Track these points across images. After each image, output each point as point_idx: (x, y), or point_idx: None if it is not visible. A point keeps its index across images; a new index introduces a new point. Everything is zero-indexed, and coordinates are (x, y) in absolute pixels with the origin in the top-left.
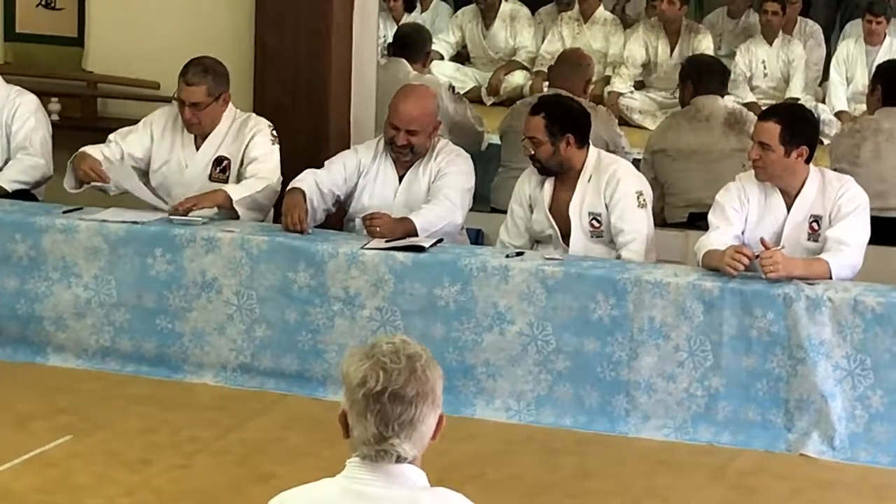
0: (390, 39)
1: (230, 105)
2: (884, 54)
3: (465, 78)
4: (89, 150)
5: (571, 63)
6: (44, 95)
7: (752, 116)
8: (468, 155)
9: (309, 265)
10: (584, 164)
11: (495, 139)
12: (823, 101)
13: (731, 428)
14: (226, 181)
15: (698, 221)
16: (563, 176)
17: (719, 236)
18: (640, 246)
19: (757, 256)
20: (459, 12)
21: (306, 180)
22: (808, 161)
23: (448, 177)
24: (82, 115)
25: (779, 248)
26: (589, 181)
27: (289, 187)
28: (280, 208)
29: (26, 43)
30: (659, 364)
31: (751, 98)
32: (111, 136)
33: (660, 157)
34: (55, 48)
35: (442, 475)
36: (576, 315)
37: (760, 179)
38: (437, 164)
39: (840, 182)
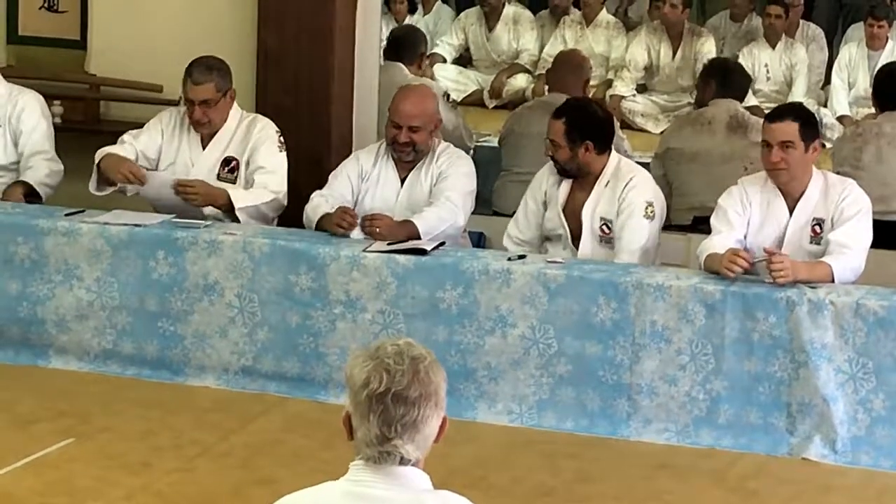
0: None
1: (235, 104)
2: (886, 58)
3: (468, 81)
4: (115, 149)
5: (569, 65)
6: (46, 98)
7: (755, 120)
8: (469, 157)
9: (310, 268)
10: (603, 170)
11: (493, 142)
12: (825, 105)
13: (732, 431)
14: (234, 181)
15: (701, 225)
16: (580, 178)
17: (721, 240)
18: (632, 257)
19: (753, 264)
20: (462, 15)
21: (321, 207)
22: None
23: (449, 179)
24: (85, 118)
25: (784, 253)
26: (606, 186)
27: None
28: (282, 218)
29: (29, 45)
30: (661, 367)
31: (753, 101)
32: (124, 137)
33: (669, 155)
34: (58, 51)
35: (444, 478)
36: (578, 318)
37: (782, 182)
38: (439, 167)
39: (842, 185)
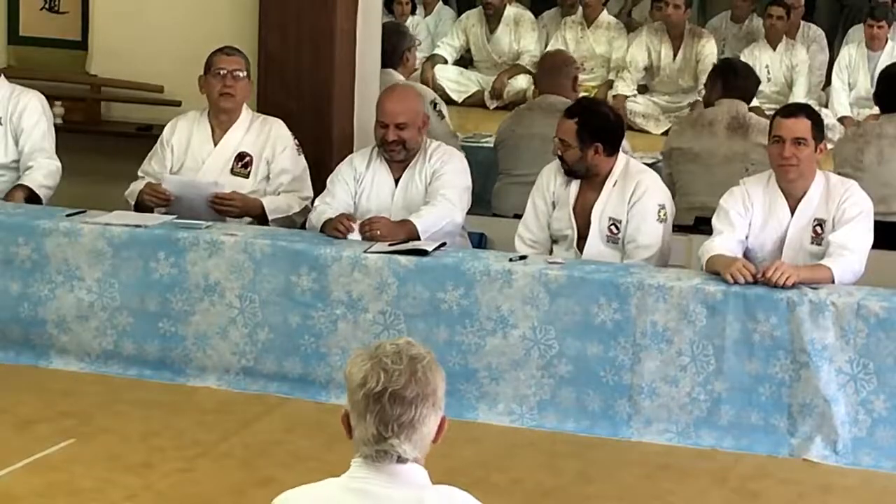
0: None
1: (245, 104)
2: (886, 59)
3: (469, 82)
4: (137, 185)
5: (555, 67)
6: (48, 98)
7: (756, 120)
8: (462, 154)
9: (312, 269)
10: (611, 171)
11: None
12: (826, 106)
13: (733, 432)
14: (247, 176)
15: (702, 225)
16: (587, 179)
17: (723, 241)
18: (648, 262)
19: (756, 281)
20: (463, 16)
21: (326, 214)
22: None
23: (444, 177)
24: (86, 119)
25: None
26: (614, 186)
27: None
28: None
29: (30, 46)
30: (662, 368)
31: (755, 102)
32: (141, 172)
33: (673, 155)
34: (59, 51)
35: (445, 479)
36: (579, 319)
37: (790, 179)
38: (432, 166)
39: (844, 186)
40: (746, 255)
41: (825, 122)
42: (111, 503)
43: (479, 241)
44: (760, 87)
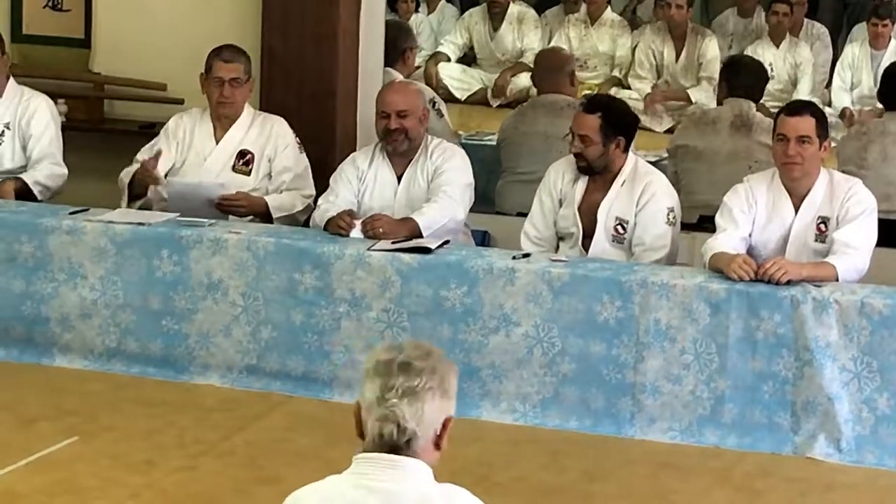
0: None
1: (247, 102)
2: (889, 58)
3: (472, 80)
4: (131, 169)
5: (552, 65)
6: (51, 96)
7: (760, 118)
8: (462, 150)
9: (315, 267)
10: (621, 169)
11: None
12: (829, 105)
13: (737, 430)
14: (248, 174)
15: (706, 223)
16: (597, 177)
17: (726, 239)
18: (659, 264)
19: (758, 278)
20: (467, 14)
21: (329, 213)
22: None
23: (446, 174)
24: (89, 117)
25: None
26: (622, 186)
27: (323, 224)
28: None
29: (33, 44)
30: (665, 366)
31: None
32: (138, 157)
33: (677, 153)
34: (62, 49)
35: (447, 477)
36: (582, 317)
37: (795, 176)
38: (434, 163)
39: (848, 184)
40: (750, 252)
41: (829, 120)
42: (114, 501)
43: (483, 239)
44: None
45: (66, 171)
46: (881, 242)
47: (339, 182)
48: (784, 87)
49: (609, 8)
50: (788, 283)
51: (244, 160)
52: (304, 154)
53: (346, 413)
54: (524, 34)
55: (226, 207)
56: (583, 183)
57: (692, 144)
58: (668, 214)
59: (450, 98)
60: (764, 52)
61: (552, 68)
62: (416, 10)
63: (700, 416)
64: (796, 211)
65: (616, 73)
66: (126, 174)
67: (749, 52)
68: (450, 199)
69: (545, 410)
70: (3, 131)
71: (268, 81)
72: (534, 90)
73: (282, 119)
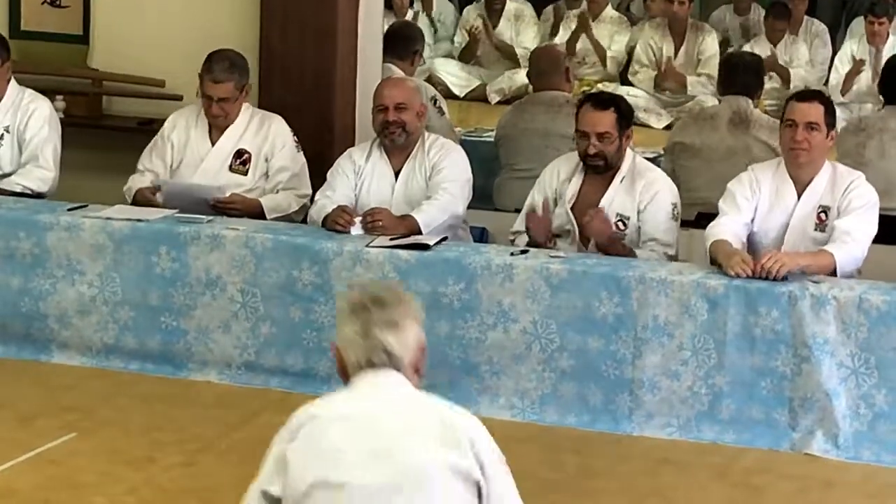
0: None
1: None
2: (887, 54)
3: (470, 77)
4: (138, 182)
5: (548, 62)
6: (49, 93)
7: (758, 115)
8: (460, 147)
9: (313, 263)
10: (620, 166)
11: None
12: None
13: (735, 426)
14: (245, 174)
15: (703, 220)
16: (600, 174)
17: (728, 223)
18: (662, 259)
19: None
20: (465, 12)
21: (326, 208)
22: None
23: (445, 170)
24: (87, 113)
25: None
26: (622, 182)
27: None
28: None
29: (31, 40)
30: (663, 362)
31: None
32: (139, 167)
33: (675, 150)
34: (60, 45)
35: None
36: (580, 313)
37: (801, 163)
38: (431, 159)
39: (851, 176)
40: (750, 239)
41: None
42: (112, 497)
43: (481, 236)
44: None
45: (51, 173)
46: (879, 239)
47: (337, 177)
48: (779, 86)
49: (609, 5)
50: (786, 277)
51: (241, 160)
52: (302, 153)
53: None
54: (520, 31)
55: (220, 209)
56: (577, 181)
57: (690, 142)
58: (673, 210)
59: (448, 95)
60: (761, 51)
61: (549, 65)
62: (411, 6)
63: (698, 413)
64: (799, 199)
65: (612, 68)
66: (133, 183)
67: (746, 49)
68: (449, 195)
69: (543, 406)
70: (2, 135)
71: (266, 78)
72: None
73: (280, 118)
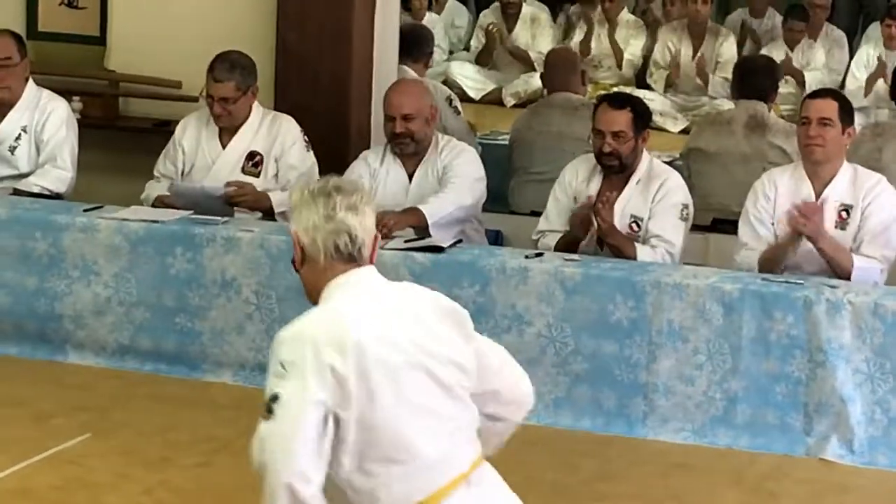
0: None
1: (256, 102)
2: None
3: (486, 80)
4: (154, 191)
5: (563, 64)
6: (66, 94)
7: (774, 120)
8: (473, 148)
9: None
10: (637, 167)
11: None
12: None
13: (749, 431)
14: (258, 175)
15: (720, 225)
16: (617, 175)
17: (753, 256)
18: (669, 258)
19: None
20: (481, 16)
21: None
22: None
23: (455, 168)
24: (104, 114)
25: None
26: (637, 184)
27: None
28: None
29: (49, 42)
30: (677, 367)
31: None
32: (155, 173)
33: (692, 156)
34: (77, 47)
35: None
36: (594, 317)
37: (816, 159)
38: (443, 160)
39: (872, 177)
40: None
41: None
42: (127, 497)
43: (496, 239)
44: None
45: (69, 173)
46: None
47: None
48: (795, 91)
49: (625, 9)
50: (802, 283)
51: (253, 162)
52: (311, 152)
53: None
54: (536, 34)
55: (234, 200)
56: (597, 182)
57: (706, 147)
58: (682, 210)
59: (464, 98)
60: (777, 55)
61: (564, 68)
62: (430, 8)
63: (713, 417)
64: (817, 197)
65: (628, 72)
66: (150, 191)
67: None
68: (456, 188)
69: (557, 410)
70: (19, 135)
71: (282, 79)
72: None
73: (290, 118)
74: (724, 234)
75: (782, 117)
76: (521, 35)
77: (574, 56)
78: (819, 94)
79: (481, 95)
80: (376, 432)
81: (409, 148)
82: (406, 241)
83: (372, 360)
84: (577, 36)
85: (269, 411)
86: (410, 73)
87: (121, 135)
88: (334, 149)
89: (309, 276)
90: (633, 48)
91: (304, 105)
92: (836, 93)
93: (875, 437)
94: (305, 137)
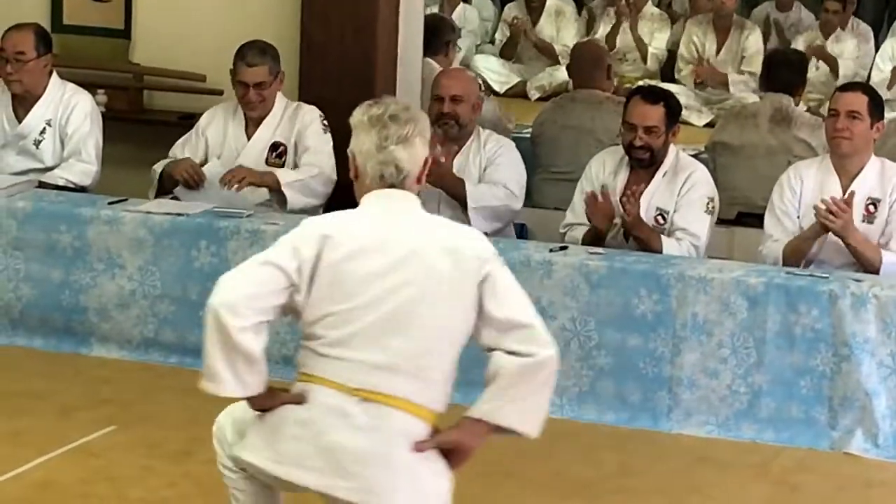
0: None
1: (280, 92)
2: None
3: (511, 73)
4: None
5: (589, 59)
6: (91, 87)
7: (799, 113)
8: (514, 147)
9: None
10: (664, 161)
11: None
12: None
13: (774, 425)
14: (282, 166)
15: (745, 219)
16: (638, 167)
17: (777, 246)
18: (691, 250)
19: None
20: (506, 9)
21: None
22: None
23: (502, 167)
24: (129, 107)
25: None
26: (664, 177)
27: None
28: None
29: (74, 35)
30: (702, 360)
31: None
32: (170, 154)
33: (716, 149)
34: (102, 40)
35: (485, 469)
36: (619, 310)
37: (843, 152)
38: (486, 153)
39: None
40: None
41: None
42: (151, 490)
43: (521, 232)
44: (809, 76)
45: (93, 167)
46: None
47: None
48: (826, 80)
49: (650, 2)
50: (827, 277)
51: (277, 153)
52: (329, 134)
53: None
54: (561, 27)
55: (230, 184)
56: (624, 174)
57: (730, 140)
58: (708, 204)
59: (489, 91)
60: (809, 43)
61: (589, 62)
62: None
63: (737, 411)
64: (844, 192)
65: (652, 66)
66: (158, 166)
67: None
68: (509, 191)
69: (581, 404)
70: (44, 128)
71: (307, 72)
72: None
73: (309, 105)
74: (749, 227)
75: (809, 107)
76: (546, 28)
77: (601, 50)
78: (850, 87)
79: (505, 89)
80: (316, 322)
81: (453, 130)
82: None
83: (334, 258)
84: (602, 29)
85: None
86: (436, 66)
87: (145, 128)
88: None
89: (357, 188)
90: (658, 42)
91: (328, 98)
92: (866, 86)
93: None
94: (324, 121)
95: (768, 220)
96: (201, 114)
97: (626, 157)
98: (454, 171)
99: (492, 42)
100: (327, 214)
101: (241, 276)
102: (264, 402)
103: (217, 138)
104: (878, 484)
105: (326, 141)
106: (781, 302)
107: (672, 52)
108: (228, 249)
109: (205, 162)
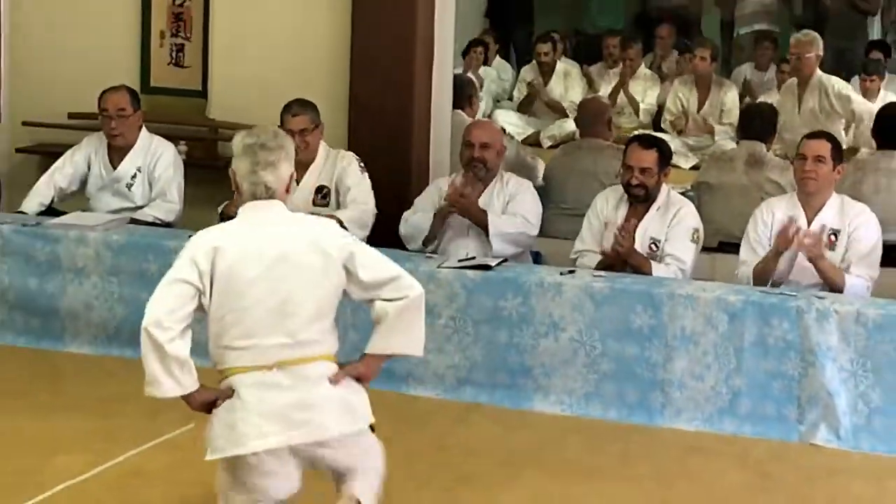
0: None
1: (322, 141)
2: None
3: (527, 125)
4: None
5: (593, 112)
6: (174, 139)
7: (770, 157)
8: (532, 187)
9: None
10: (657, 197)
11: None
12: None
13: (751, 421)
14: (326, 206)
15: (725, 247)
16: (641, 204)
17: (748, 269)
18: (677, 273)
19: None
20: (523, 71)
21: (422, 219)
22: None
23: (520, 202)
24: (205, 155)
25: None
26: (657, 211)
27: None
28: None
29: (159, 95)
30: (689, 366)
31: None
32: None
33: (701, 188)
34: (183, 99)
35: (506, 458)
36: (619, 324)
37: (810, 190)
38: (508, 191)
39: (858, 207)
40: None
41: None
42: None
43: (536, 258)
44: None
45: (177, 206)
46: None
47: (425, 200)
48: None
49: (643, 65)
50: (795, 295)
51: (321, 194)
52: (366, 173)
53: (412, 403)
54: (569, 87)
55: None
56: (624, 208)
57: (711, 181)
58: (694, 234)
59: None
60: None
61: (594, 115)
62: (485, 63)
63: (720, 408)
64: (809, 224)
65: (644, 119)
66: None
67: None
68: (526, 220)
69: (588, 403)
70: (135, 174)
71: (355, 124)
72: (578, 135)
73: (348, 151)
74: (728, 253)
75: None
76: (556, 87)
77: (604, 106)
78: (815, 135)
79: (522, 138)
80: (220, 320)
81: (482, 172)
82: (460, 261)
83: (224, 266)
84: (604, 89)
85: None
86: (463, 116)
87: (220, 173)
88: (397, 183)
89: (237, 199)
90: (650, 98)
91: (371, 146)
92: (829, 135)
93: (858, 426)
94: (361, 163)
95: (743, 247)
96: None
97: (625, 195)
98: (480, 205)
99: (510, 98)
100: (212, 228)
101: (160, 296)
102: (200, 397)
103: None
104: (840, 471)
105: (365, 179)
106: (756, 316)
107: (661, 107)
108: None
109: None
